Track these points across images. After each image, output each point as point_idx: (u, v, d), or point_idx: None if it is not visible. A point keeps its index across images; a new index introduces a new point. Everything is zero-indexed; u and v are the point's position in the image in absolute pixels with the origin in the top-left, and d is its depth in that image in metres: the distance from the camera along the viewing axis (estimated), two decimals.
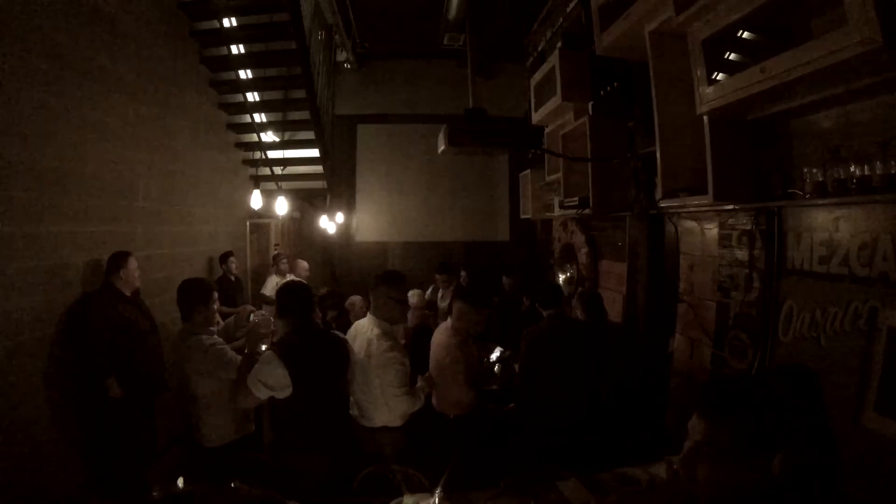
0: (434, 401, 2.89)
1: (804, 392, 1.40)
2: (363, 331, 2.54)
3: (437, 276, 5.15)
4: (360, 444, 2.46)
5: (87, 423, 3.02)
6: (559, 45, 3.92)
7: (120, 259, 3.22)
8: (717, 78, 2.04)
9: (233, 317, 3.03)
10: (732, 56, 2.08)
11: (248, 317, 2.80)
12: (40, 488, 2.72)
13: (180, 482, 1.85)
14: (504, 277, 5.08)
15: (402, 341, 3.06)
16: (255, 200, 5.17)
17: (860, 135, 1.81)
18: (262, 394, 2.14)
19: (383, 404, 2.43)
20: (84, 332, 3.02)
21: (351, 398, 2.52)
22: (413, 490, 2.08)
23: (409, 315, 3.80)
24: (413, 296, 3.98)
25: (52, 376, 2.89)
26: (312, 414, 2.20)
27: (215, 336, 2.60)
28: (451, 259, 5.54)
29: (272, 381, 2.12)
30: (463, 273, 5.48)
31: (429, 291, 5.13)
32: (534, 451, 2.65)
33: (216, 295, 2.67)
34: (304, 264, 6.02)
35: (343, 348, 2.41)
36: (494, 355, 3.90)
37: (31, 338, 2.78)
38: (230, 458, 2.45)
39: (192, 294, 2.57)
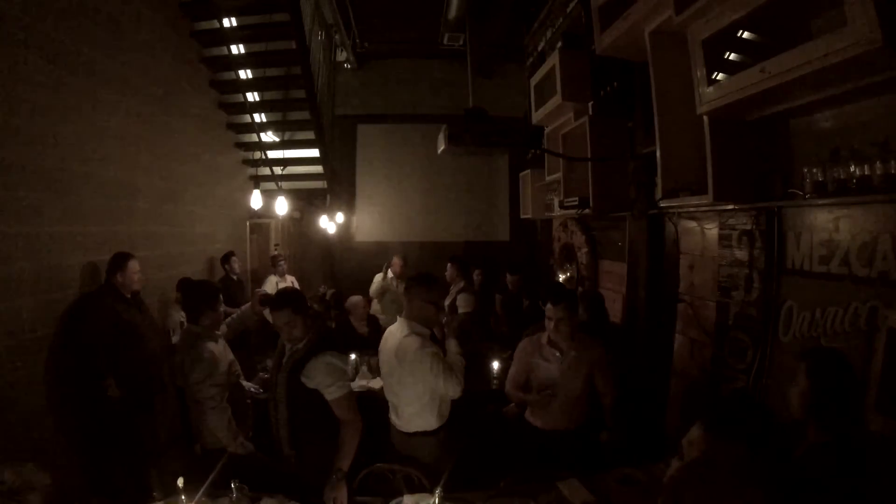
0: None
1: (836, 373, 1.45)
2: (394, 334, 2.52)
3: (449, 266, 5.06)
4: (396, 448, 2.46)
5: (86, 423, 3.02)
6: (559, 45, 3.92)
7: (120, 260, 3.22)
8: (717, 78, 2.04)
9: (247, 304, 3.07)
10: (732, 56, 2.08)
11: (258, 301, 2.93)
12: None
13: (180, 482, 1.85)
14: (508, 275, 5.07)
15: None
16: (255, 200, 5.17)
17: (860, 135, 1.80)
18: (349, 386, 2.25)
19: (420, 406, 2.42)
20: (83, 333, 3.02)
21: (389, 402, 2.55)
22: (413, 490, 2.09)
23: None
24: None
25: (52, 376, 2.89)
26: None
27: (221, 341, 2.63)
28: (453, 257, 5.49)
29: (348, 370, 2.32)
30: (477, 271, 5.45)
31: None
32: (534, 451, 2.64)
33: (221, 297, 2.68)
34: (397, 259, 5.64)
35: None
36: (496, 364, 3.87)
37: (31, 337, 2.78)
38: (231, 458, 2.45)
39: (200, 297, 2.59)
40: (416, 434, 2.43)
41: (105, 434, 3.03)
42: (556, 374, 2.59)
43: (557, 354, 2.61)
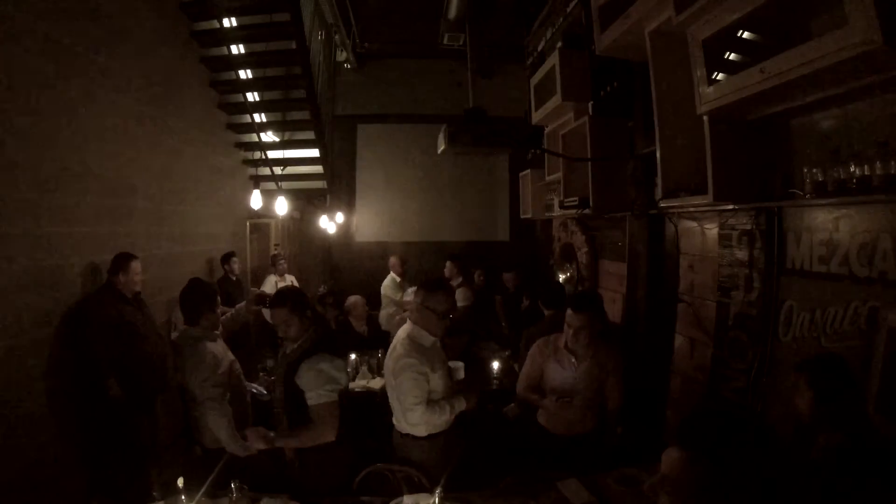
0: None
1: (836, 378, 1.47)
2: (399, 335, 2.46)
3: (448, 263, 5.06)
4: (395, 448, 2.41)
5: (87, 423, 3.03)
6: (559, 45, 3.93)
7: (122, 261, 3.22)
8: (717, 78, 2.04)
9: (243, 303, 3.12)
10: (732, 56, 2.08)
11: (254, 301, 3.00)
12: (41, 488, 2.72)
13: (180, 482, 1.85)
14: (504, 274, 5.08)
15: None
16: (255, 200, 5.17)
17: (860, 135, 1.80)
18: (336, 395, 2.17)
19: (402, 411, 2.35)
20: (84, 333, 3.02)
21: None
22: (413, 490, 2.09)
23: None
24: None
25: (53, 376, 2.89)
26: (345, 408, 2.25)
27: (220, 341, 2.63)
28: (452, 256, 5.48)
29: (341, 377, 2.20)
30: (478, 272, 5.45)
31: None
32: (534, 451, 2.64)
33: (219, 298, 2.70)
34: (394, 260, 5.65)
35: None
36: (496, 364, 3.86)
37: (32, 338, 2.78)
38: (231, 458, 2.45)
39: (200, 299, 2.59)
40: (407, 436, 2.37)
41: (106, 434, 3.03)
42: (570, 379, 2.53)
43: (573, 360, 2.53)
